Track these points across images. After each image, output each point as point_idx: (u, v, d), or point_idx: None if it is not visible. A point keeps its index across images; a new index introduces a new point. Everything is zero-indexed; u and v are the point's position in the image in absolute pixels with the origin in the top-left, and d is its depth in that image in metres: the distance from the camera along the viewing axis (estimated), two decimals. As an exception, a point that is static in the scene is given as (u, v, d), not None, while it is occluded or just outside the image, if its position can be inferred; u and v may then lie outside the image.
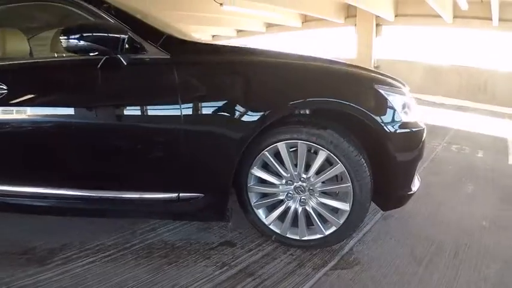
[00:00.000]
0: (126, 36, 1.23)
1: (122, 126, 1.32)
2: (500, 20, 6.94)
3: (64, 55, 1.47)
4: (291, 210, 1.42)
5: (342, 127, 1.34)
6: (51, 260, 1.38)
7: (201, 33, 12.34)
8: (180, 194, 1.31)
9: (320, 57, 1.45)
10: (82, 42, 1.17)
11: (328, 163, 1.34)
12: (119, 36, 1.21)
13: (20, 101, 1.33)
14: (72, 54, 1.28)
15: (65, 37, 1.18)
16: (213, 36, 12.78)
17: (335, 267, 1.39)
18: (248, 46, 1.48)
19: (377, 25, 9.00)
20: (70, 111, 1.34)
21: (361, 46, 9.38)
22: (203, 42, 1.53)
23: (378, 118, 1.32)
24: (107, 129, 1.32)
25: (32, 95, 1.35)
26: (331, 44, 11.71)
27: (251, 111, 1.24)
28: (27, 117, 1.34)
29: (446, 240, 1.62)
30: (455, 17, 7.33)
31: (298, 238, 1.45)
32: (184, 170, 1.30)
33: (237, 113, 1.24)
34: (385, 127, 1.33)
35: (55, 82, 1.37)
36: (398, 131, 1.37)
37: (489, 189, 2.38)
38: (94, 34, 1.18)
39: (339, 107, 1.30)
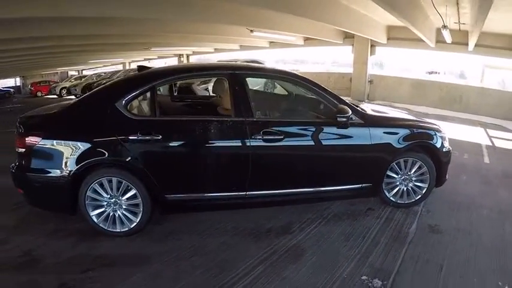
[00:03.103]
0: (351, 113, 3.02)
1: (346, 153, 3.10)
2: (475, 45, 9.14)
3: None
4: (401, 189, 3.40)
5: (427, 152, 3.33)
6: (291, 230, 3.00)
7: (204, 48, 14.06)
8: (362, 185, 3.22)
9: (418, 121, 3.50)
10: (343, 119, 2.95)
11: (419, 167, 3.34)
12: (350, 113, 2.99)
13: (289, 141, 2.92)
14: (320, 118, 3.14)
15: (340, 115, 2.94)
16: (215, 49, 14.55)
17: (421, 213, 3.38)
18: (390, 115, 3.51)
19: (371, 46, 11.39)
20: (320, 146, 3.00)
21: (358, 63, 11.75)
22: (375, 114, 3.35)
23: (438, 146, 3.35)
24: (337, 156, 3.09)
25: (297, 138, 2.96)
26: (330, 58, 13.98)
27: (399, 143, 3.16)
28: (292, 149, 2.95)
29: (458, 200, 3.69)
30: (437, 42, 9.77)
31: (403, 202, 3.42)
32: (364, 174, 3.21)
33: (394, 146, 3.15)
34: (440, 149, 3.37)
35: (312, 131, 3.01)
36: (444, 150, 3.41)
37: (476, 177, 4.55)
38: (344, 116, 2.94)
39: (425, 143, 3.32)
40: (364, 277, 2.35)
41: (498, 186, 4.25)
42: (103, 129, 2.69)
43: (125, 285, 2.29)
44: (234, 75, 2.91)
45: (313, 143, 3.00)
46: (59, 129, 2.74)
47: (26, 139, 2.68)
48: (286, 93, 4.09)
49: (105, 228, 2.80)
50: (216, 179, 2.89)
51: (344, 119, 2.94)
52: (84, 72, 26.72)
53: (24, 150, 2.71)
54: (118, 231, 2.81)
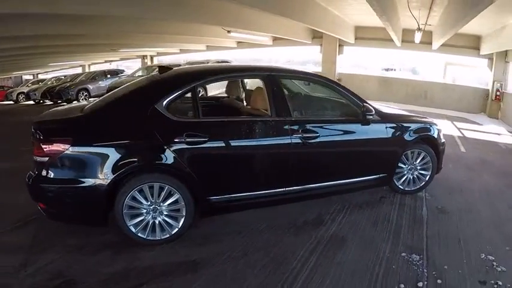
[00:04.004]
0: (374, 112, 3.46)
1: (369, 147, 3.53)
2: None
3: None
4: (408, 177, 3.93)
5: (429, 144, 3.91)
6: (324, 221, 3.36)
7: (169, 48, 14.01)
8: (380, 175, 3.68)
9: (420, 116, 4.09)
10: (370, 117, 3.40)
11: (423, 157, 3.90)
12: (374, 112, 3.45)
13: (324, 137, 3.25)
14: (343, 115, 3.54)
15: (368, 114, 3.38)
16: (180, 49, 14.55)
17: (426, 198, 3.94)
18: (399, 112, 4.06)
19: (339, 45, 12.23)
20: (350, 141, 3.44)
21: (326, 63, 12.55)
22: (388, 112, 3.83)
23: (436, 137, 3.95)
24: (362, 150, 3.52)
25: (330, 134, 3.32)
26: (284, 57, 14.76)
27: (409, 136, 3.70)
28: (326, 146, 3.30)
29: (452, 185, 4.36)
30: (403, 41, 10.83)
31: (410, 189, 3.96)
32: (382, 165, 3.67)
33: (405, 139, 3.67)
34: (438, 141, 3.97)
35: (342, 128, 3.41)
36: (441, 141, 4.03)
37: (459, 164, 5.31)
38: (371, 114, 3.39)
39: (428, 136, 3.89)
40: (403, 254, 2.78)
41: (480, 172, 5.03)
42: (143, 132, 2.68)
43: (191, 293, 2.32)
44: (271, 77, 3.15)
45: (344, 139, 3.43)
46: (91, 133, 2.65)
47: (50, 146, 2.55)
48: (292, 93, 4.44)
49: (144, 237, 2.76)
50: (260, 177, 3.08)
51: (371, 117, 3.41)
52: (40, 76, 25.30)
53: (47, 158, 2.56)
54: (158, 239, 2.79)
